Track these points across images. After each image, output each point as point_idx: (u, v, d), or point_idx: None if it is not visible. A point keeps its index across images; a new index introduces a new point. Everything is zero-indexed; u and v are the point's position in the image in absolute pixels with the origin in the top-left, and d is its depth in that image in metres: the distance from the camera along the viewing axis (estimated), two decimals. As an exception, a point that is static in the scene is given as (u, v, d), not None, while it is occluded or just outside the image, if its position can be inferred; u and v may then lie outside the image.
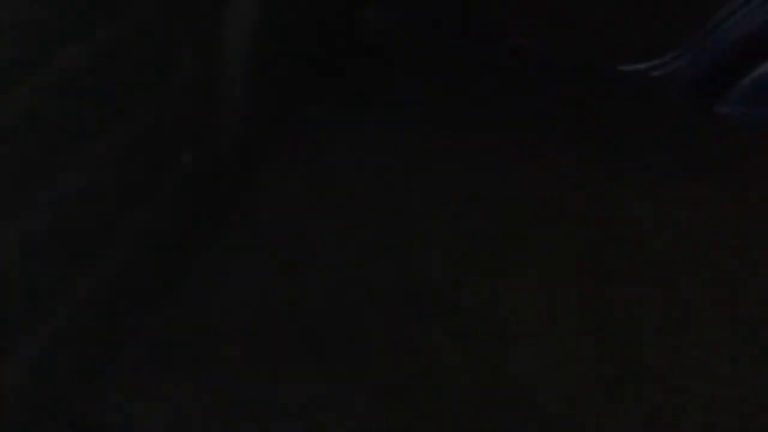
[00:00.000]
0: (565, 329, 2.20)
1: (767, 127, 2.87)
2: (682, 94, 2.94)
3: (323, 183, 2.56)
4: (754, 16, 2.90)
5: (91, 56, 1.88)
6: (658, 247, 2.40)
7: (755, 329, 2.20)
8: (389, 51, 2.97)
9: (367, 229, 2.43)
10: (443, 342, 2.17)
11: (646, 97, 2.92)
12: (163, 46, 2.12)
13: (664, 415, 2.02)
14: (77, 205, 1.90)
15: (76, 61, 1.83)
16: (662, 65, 2.95)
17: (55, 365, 1.90)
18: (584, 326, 2.21)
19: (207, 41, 2.26)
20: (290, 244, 2.38)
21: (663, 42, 2.95)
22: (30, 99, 1.73)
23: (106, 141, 1.97)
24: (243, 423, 2.00)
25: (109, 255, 2.03)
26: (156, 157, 2.16)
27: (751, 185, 2.60)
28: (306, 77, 2.77)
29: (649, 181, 2.59)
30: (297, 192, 2.54)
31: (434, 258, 2.35)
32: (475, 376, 2.09)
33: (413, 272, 2.31)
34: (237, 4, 2.30)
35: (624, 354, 2.14)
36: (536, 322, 2.21)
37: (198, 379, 2.06)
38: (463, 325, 2.20)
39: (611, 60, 2.95)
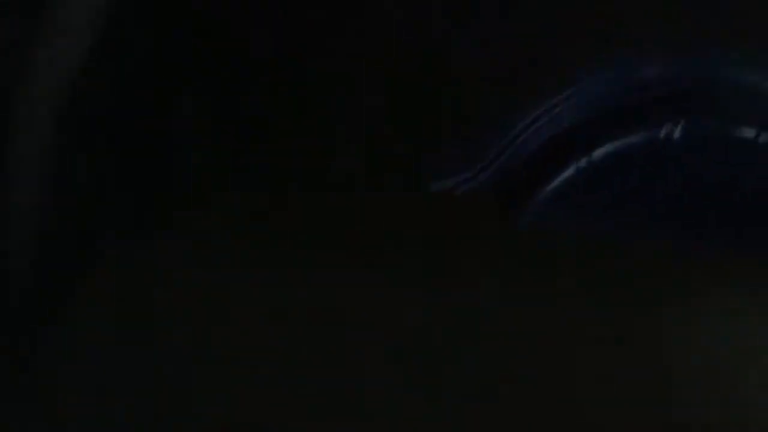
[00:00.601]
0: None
1: (572, 235, 2.92)
2: (489, 207, 2.97)
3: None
4: (552, 126, 2.96)
5: None
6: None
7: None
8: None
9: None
10: None
11: (455, 213, 2.94)
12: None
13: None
14: None
15: None
16: (469, 180, 2.98)
17: None
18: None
19: None
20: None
21: (470, 155, 2.99)
22: None
23: None
24: None
25: None
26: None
27: (555, 289, 2.64)
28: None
29: (460, 294, 2.60)
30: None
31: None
32: None
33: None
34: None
35: None
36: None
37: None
38: None
39: (419, 178, 2.97)
